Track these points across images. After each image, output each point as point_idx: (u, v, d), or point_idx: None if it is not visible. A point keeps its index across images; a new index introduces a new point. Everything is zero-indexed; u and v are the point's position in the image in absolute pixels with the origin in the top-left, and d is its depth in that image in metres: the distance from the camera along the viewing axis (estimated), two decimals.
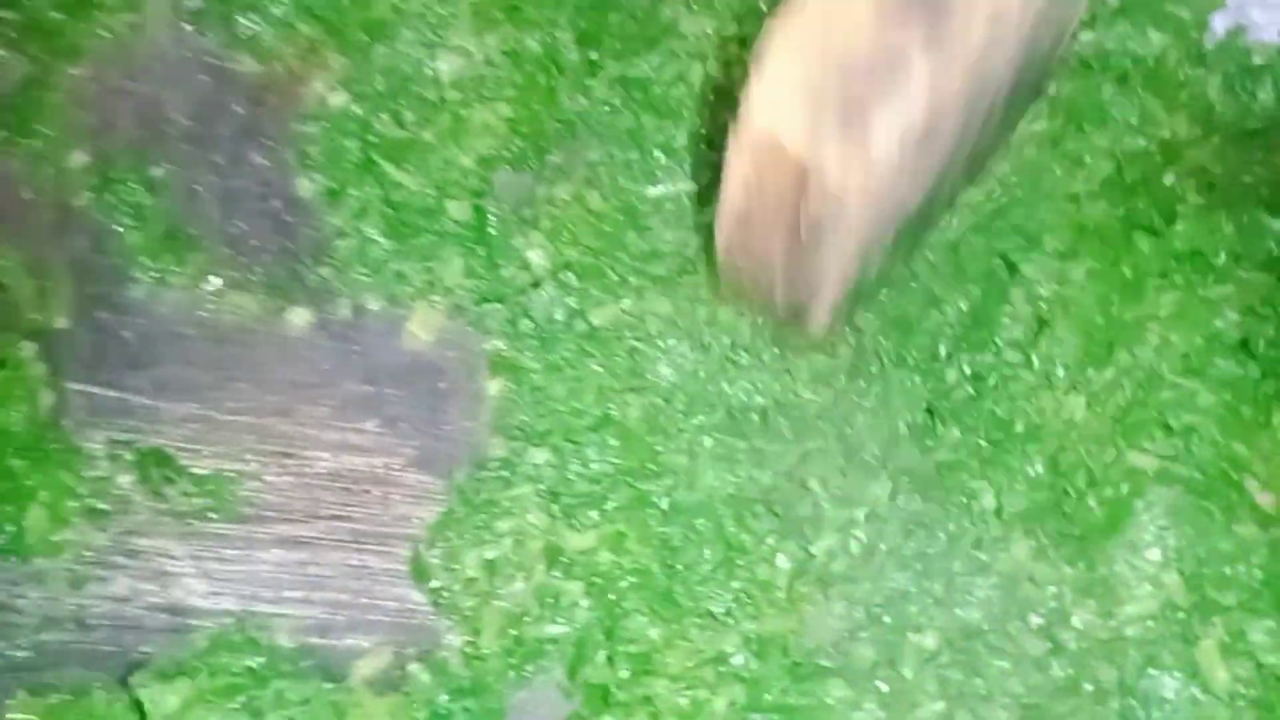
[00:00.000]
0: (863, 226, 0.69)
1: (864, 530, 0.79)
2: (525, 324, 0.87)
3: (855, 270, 0.74)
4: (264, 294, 0.88)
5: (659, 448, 0.83)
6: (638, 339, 0.85)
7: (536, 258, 0.88)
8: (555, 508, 0.82)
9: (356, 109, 0.91)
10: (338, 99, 0.91)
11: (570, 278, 0.87)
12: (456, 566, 0.82)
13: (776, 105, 0.65)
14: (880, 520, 0.80)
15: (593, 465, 0.83)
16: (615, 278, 0.87)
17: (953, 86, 0.66)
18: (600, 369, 0.85)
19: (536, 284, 0.87)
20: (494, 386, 0.87)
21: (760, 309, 0.82)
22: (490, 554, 0.82)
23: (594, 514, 0.82)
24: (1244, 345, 0.81)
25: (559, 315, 0.86)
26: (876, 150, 0.64)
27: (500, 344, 0.87)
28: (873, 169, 0.65)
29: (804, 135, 0.64)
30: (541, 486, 0.83)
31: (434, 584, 0.82)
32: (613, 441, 0.83)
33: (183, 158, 0.90)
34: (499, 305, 0.88)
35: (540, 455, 0.84)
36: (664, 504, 0.82)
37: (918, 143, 0.66)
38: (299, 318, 0.88)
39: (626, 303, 0.86)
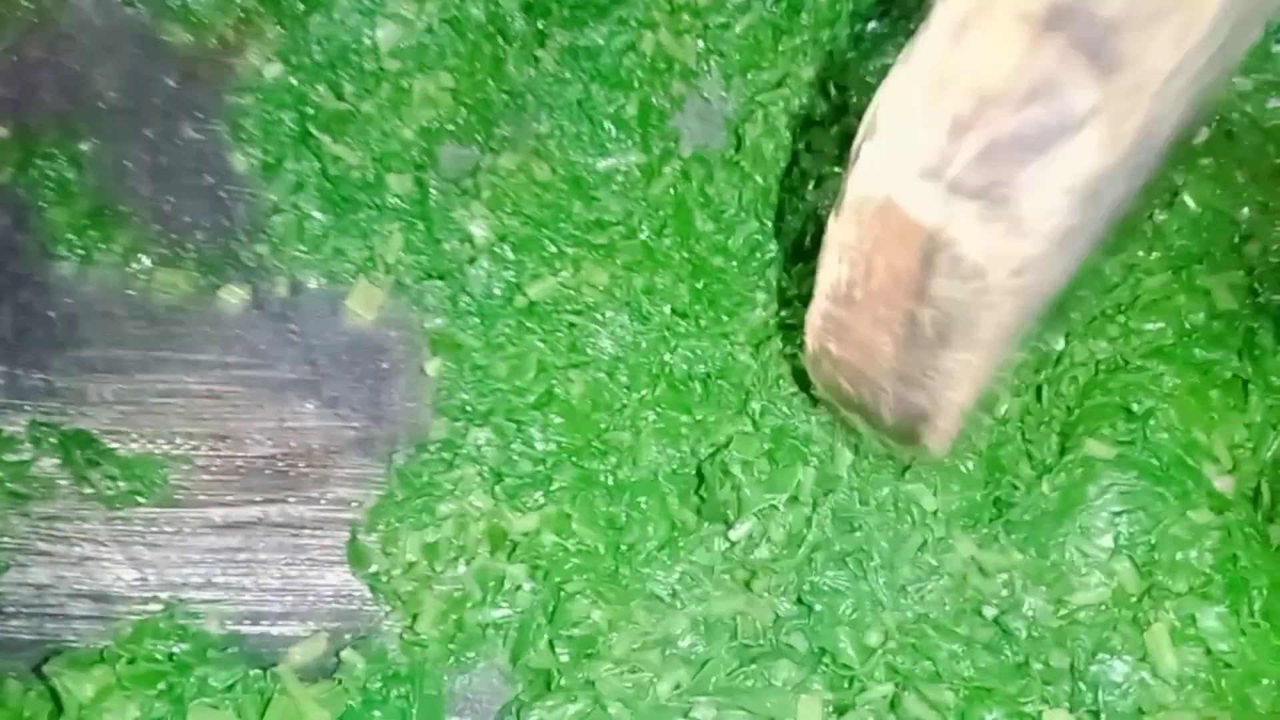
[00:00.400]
0: (1009, 312, 0.52)
1: (819, 510, 0.77)
2: (465, 301, 0.85)
3: (993, 369, 0.57)
4: (197, 272, 0.85)
5: (603, 424, 0.81)
6: (576, 312, 0.82)
7: (478, 230, 0.86)
8: (498, 489, 0.80)
9: (292, 80, 0.88)
10: (273, 70, 0.89)
11: (506, 250, 0.84)
12: (395, 551, 0.79)
13: (895, 160, 0.49)
14: (828, 497, 0.77)
15: (536, 445, 0.81)
16: (553, 250, 0.84)
17: (1133, 121, 0.49)
18: (541, 345, 0.83)
19: (474, 259, 0.85)
20: (434, 366, 0.84)
21: (860, 421, 0.65)
22: (431, 537, 0.79)
23: (538, 495, 0.80)
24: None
25: (497, 290, 0.84)
26: (1031, 212, 0.48)
27: (441, 321, 0.85)
28: (1025, 237, 0.49)
29: (932, 196, 0.48)
30: (484, 468, 0.81)
31: (372, 569, 0.80)
32: (556, 420, 0.81)
33: (111, 132, 0.87)
34: (439, 282, 0.86)
35: (482, 435, 0.81)
36: (609, 482, 0.80)
37: (1083, 200, 0.49)
38: (234, 296, 0.85)
39: (564, 275, 0.84)
